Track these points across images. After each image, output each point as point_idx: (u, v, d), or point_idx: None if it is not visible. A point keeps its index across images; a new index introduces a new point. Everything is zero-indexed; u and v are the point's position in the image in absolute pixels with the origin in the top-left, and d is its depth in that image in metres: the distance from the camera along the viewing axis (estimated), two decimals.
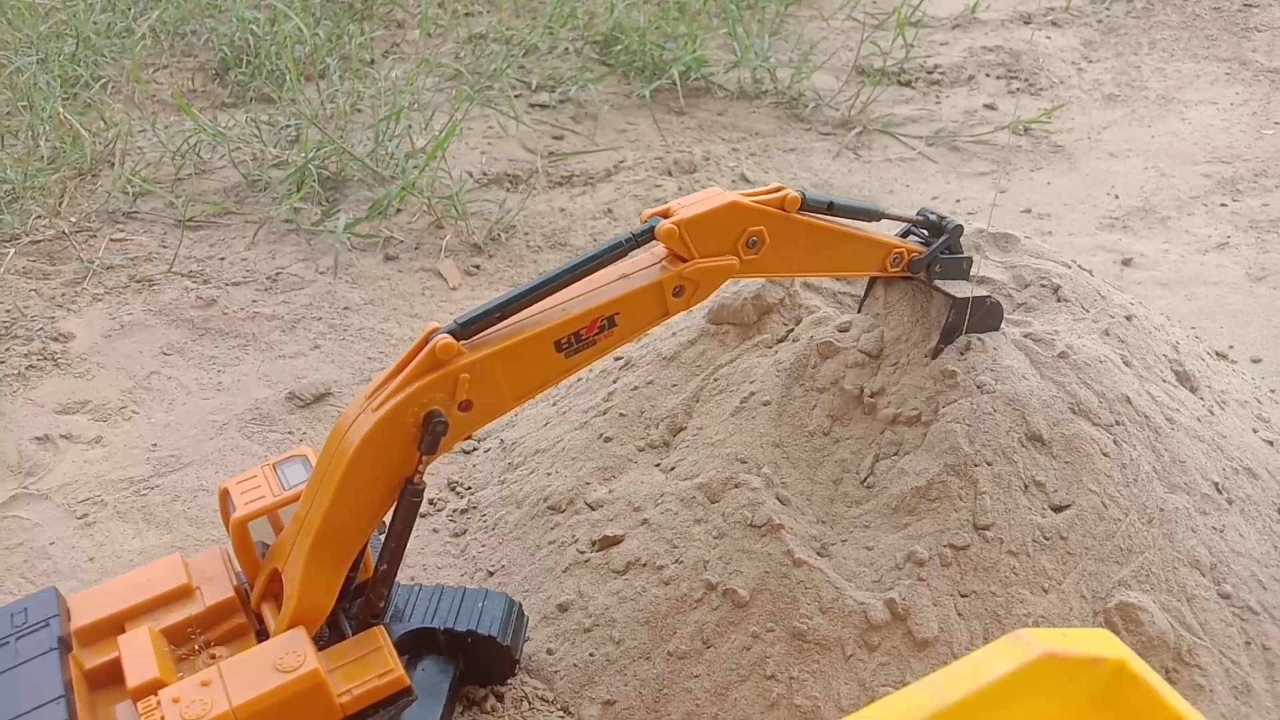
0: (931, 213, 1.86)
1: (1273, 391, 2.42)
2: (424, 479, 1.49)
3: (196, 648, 1.54)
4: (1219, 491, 1.89)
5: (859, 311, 2.05)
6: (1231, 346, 2.64)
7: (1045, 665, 1.13)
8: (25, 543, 2.21)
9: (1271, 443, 2.14)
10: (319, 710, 1.44)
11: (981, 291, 1.87)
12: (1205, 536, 1.81)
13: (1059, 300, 2.06)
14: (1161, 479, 1.84)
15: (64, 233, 3.24)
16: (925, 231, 1.87)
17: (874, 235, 1.78)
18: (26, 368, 2.70)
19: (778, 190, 1.64)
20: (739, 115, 3.95)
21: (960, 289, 1.85)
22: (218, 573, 1.61)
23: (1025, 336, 1.93)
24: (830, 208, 1.68)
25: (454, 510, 2.24)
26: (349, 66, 4.00)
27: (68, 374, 2.69)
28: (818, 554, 1.81)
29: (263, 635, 1.55)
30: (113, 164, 3.59)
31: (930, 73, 4.28)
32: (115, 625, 1.53)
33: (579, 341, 1.52)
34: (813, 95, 4.00)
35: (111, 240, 3.23)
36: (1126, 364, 1.99)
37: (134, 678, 1.43)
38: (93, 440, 2.49)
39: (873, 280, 2.03)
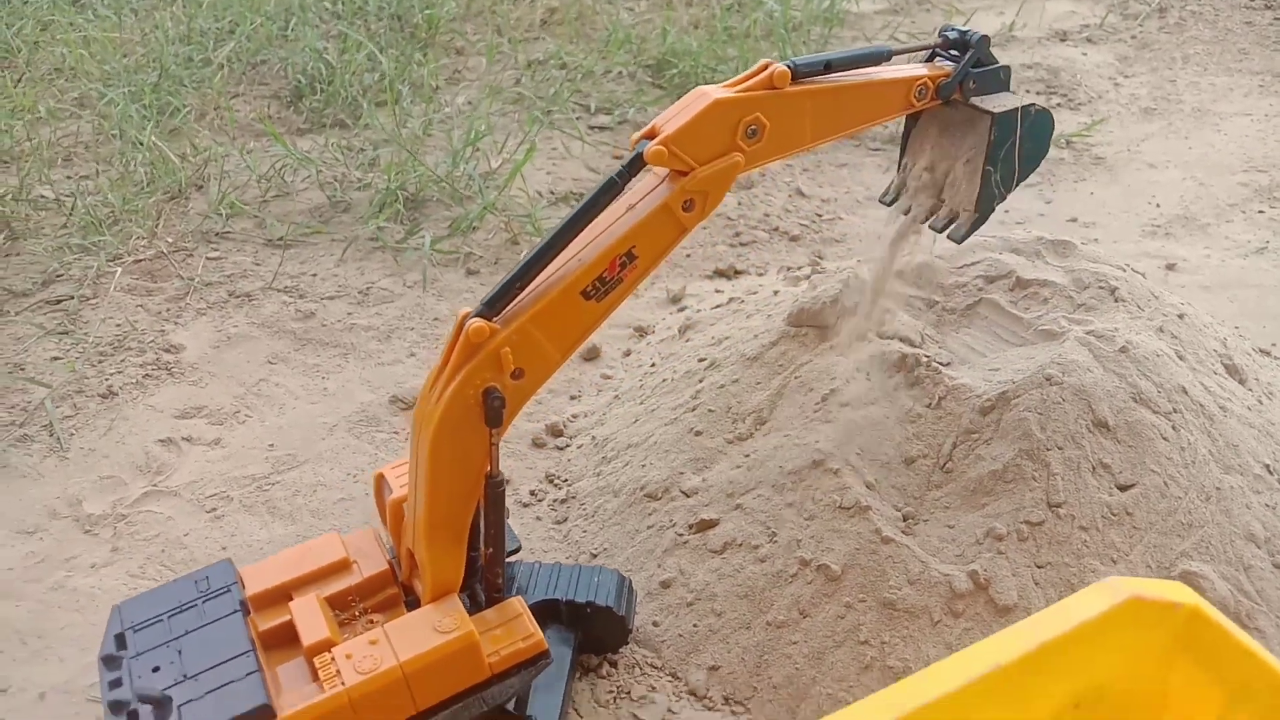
0: (951, 29, 1.78)
1: None
2: (500, 470, 1.59)
3: (356, 614, 1.72)
4: (1270, 473, 2.05)
5: (898, 174, 1.99)
6: (1275, 344, 2.80)
7: (1132, 608, 1.29)
8: (161, 534, 2.41)
9: None
10: (471, 669, 1.59)
11: (1024, 100, 1.77)
12: (1259, 513, 1.97)
13: (1116, 301, 2.23)
14: (1217, 461, 2.00)
15: (162, 252, 3.47)
16: (954, 52, 1.78)
17: (888, 75, 1.70)
18: (144, 377, 2.92)
19: (764, 69, 1.57)
20: None
21: (1002, 102, 1.76)
22: (371, 549, 1.80)
23: (1088, 334, 2.10)
24: (827, 67, 1.61)
25: (554, 500, 2.42)
26: (420, 92, 4.23)
27: (182, 382, 2.91)
28: (903, 533, 1.98)
29: (412, 605, 1.74)
30: (201, 187, 3.82)
31: None
32: (283, 594, 1.71)
33: (604, 284, 1.53)
34: None
35: (208, 259, 3.45)
36: (1180, 358, 2.15)
37: (308, 637, 1.61)
38: (212, 442, 2.70)
39: (907, 129, 1.95)
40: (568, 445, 2.61)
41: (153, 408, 2.80)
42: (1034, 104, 1.78)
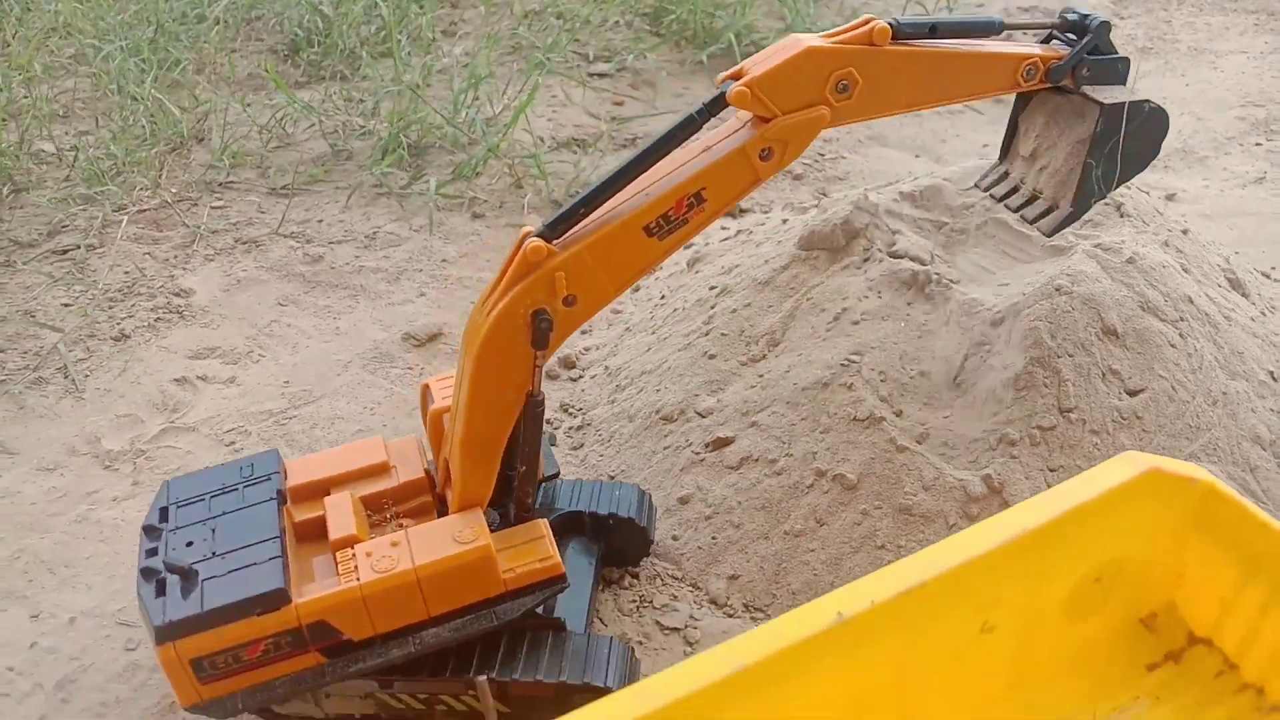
0: (1072, 11, 1.68)
1: None
2: (542, 390, 1.60)
3: (388, 516, 1.75)
4: (1274, 379, 2.09)
5: (1000, 160, 1.92)
6: (1274, 268, 2.84)
7: (1151, 479, 1.34)
8: (182, 467, 2.44)
9: None
10: (485, 581, 1.62)
11: (1139, 96, 1.67)
12: (1264, 417, 2.02)
13: (1122, 216, 2.26)
14: (1223, 367, 2.04)
15: (167, 202, 3.47)
16: (1071, 35, 1.68)
17: (996, 48, 1.62)
18: (155, 320, 2.93)
19: (866, 23, 1.51)
20: None
21: (1114, 94, 1.66)
22: (412, 456, 1.83)
23: (1095, 246, 2.13)
24: (933, 31, 1.54)
25: (569, 428, 2.46)
26: (418, 43, 4.22)
27: (194, 324, 2.92)
28: (917, 442, 2.02)
29: (444, 514, 1.77)
30: (202, 139, 3.82)
31: None
32: (322, 489, 1.75)
33: (669, 223, 1.50)
34: None
35: (212, 208, 3.46)
36: (1185, 270, 2.19)
37: (335, 532, 1.65)
38: (227, 380, 2.72)
39: (1014, 118, 1.87)
40: (581, 376, 2.64)
41: (166, 349, 2.82)
42: (1149, 101, 1.68)
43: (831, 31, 1.50)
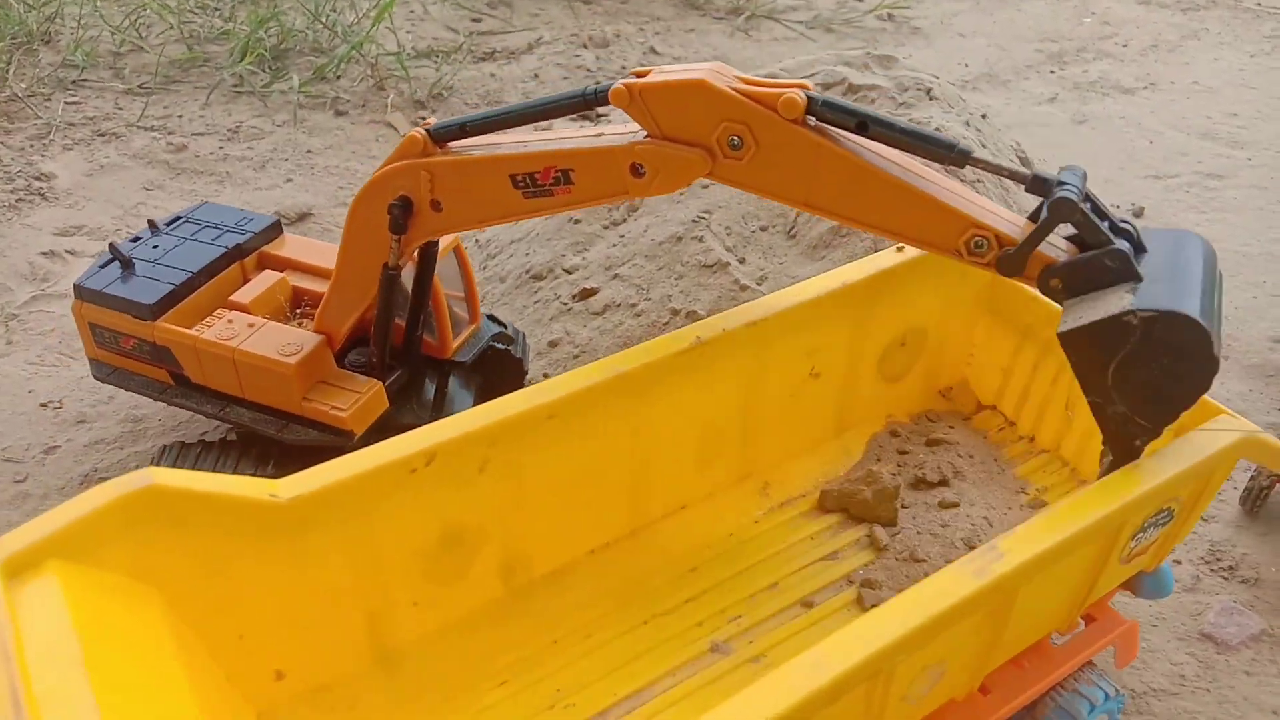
0: (1044, 175, 1.22)
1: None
2: (398, 262, 1.63)
3: (298, 312, 1.91)
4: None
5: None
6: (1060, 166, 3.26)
7: (935, 260, 1.63)
8: (56, 329, 2.49)
9: None
10: (282, 394, 1.75)
11: (1132, 302, 1.15)
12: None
13: (930, 99, 2.59)
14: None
15: (17, 95, 3.42)
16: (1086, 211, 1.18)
17: (940, 194, 1.24)
18: (16, 201, 2.93)
19: (785, 87, 1.25)
20: (640, 4, 4.39)
21: (1086, 312, 1.18)
22: None
23: (909, 121, 2.46)
24: (861, 127, 1.21)
25: None
26: None
27: (57, 206, 2.93)
28: (757, 283, 2.30)
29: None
30: (49, 41, 3.76)
31: None
32: (283, 264, 1.95)
33: (534, 185, 1.44)
34: None
35: (66, 103, 3.43)
36: (983, 145, 2.54)
37: (236, 295, 1.85)
38: (96, 254, 2.76)
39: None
40: None
41: (30, 227, 2.83)
42: (1143, 311, 1.13)
43: (752, 77, 1.28)
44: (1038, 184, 1.21)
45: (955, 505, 1.57)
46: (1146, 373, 1.16)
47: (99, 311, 1.83)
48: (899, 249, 1.60)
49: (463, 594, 1.33)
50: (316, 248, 2.01)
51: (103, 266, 1.87)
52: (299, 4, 3.83)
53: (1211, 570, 1.96)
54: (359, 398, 1.77)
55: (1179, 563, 1.96)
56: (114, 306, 1.80)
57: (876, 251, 2.25)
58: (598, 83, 1.37)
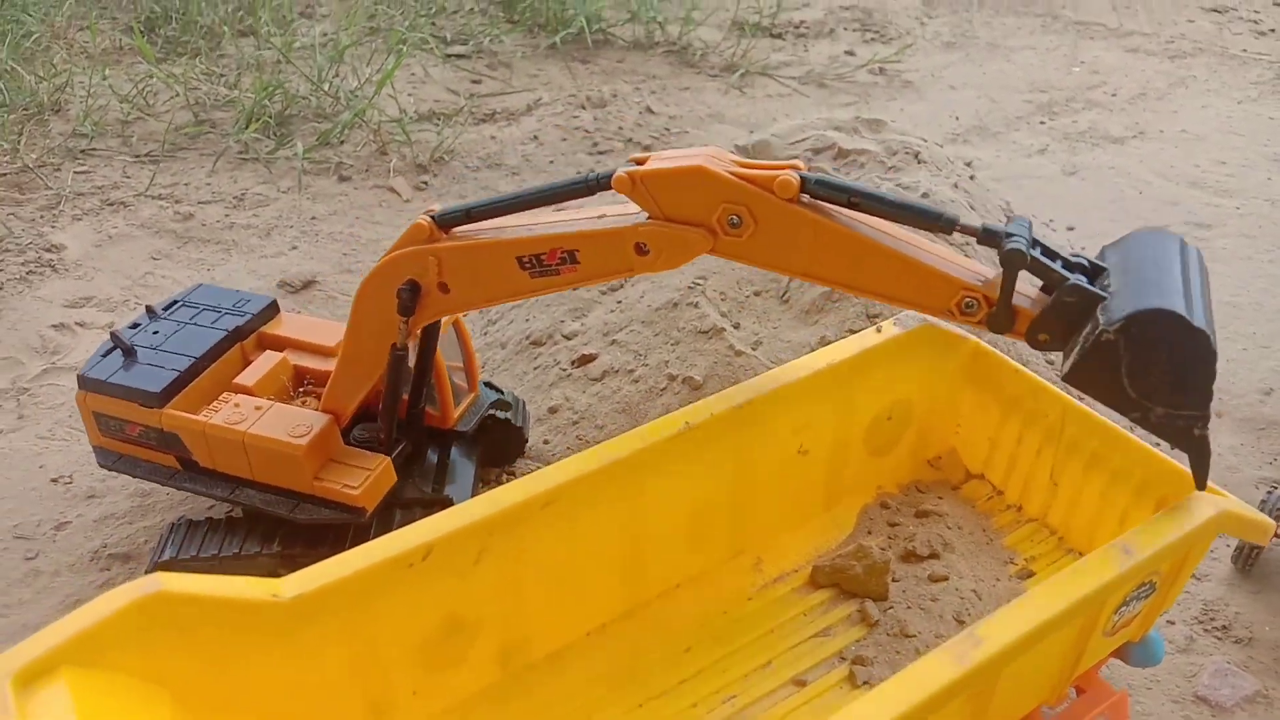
0: (993, 229, 1.28)
1: (1084, 247, 3.09)
2: (405, 342, 1.68)
3: (301, 390, 1.95)
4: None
5: None
6: (1051, 219, 3.32)
7: (928, 332, 1.68)
8: (66, 403, 2.54)
9: None
10: (294, 474, 1.78)
11: (1101, 324, 1.21)
12: None
13: (919, 163, 2.65)
14: None
15: (28, 166, 3.50)
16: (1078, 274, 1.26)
17: (930, 260, 1.32)
18: (27, 273, 3.00)
19: (780, 168, 1.33)
20: (637, 63, 4.48)
21: (1079, 341, 1.24)
22: None
23: (896, 186, 2.51)
24: (852, 200, 1.30)
25: None
26: (278, 22, 4.34)
27: (67, 277, 3.00)
28: (751, 348, 2.34)
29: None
30: (59, 110, 3.85)
31: (797, 27, 4.91)
32: (283, 344, 1.99)
33: (541, 266, 1.49)
34: (700, 45, 4.56)
35: (76, 173, 3.51)
36: (972, 208, 2.60)
37: (242, 377, 1.89)
38: (105, 326, 2.82)
39: None
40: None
41: (41, 299, 2.89)
42: (1115, 323, 1.19)
43: (747, 161, 1.37)
44: (989, 237, 1.28)
45: (945, 578, 1.60)
46: (1157, 371, 1.21)
47: (104, 400, 1.87)
48: (878, 329, 1.65)
49: (462, 680, 1.36)
50: (314, 325, 2.06)
51: (104, 355, 1.90)
52: (302, 72, 3.92)
53: (1205, 630, 1.98)
54: (369, 474, 1.81)
55: (1172, 623, 1.98)
56: (119, 395, 1.84)
57: (868, 316, 2.32)
58: (600, 174, 1.41)
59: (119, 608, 1.06)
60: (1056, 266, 1.26)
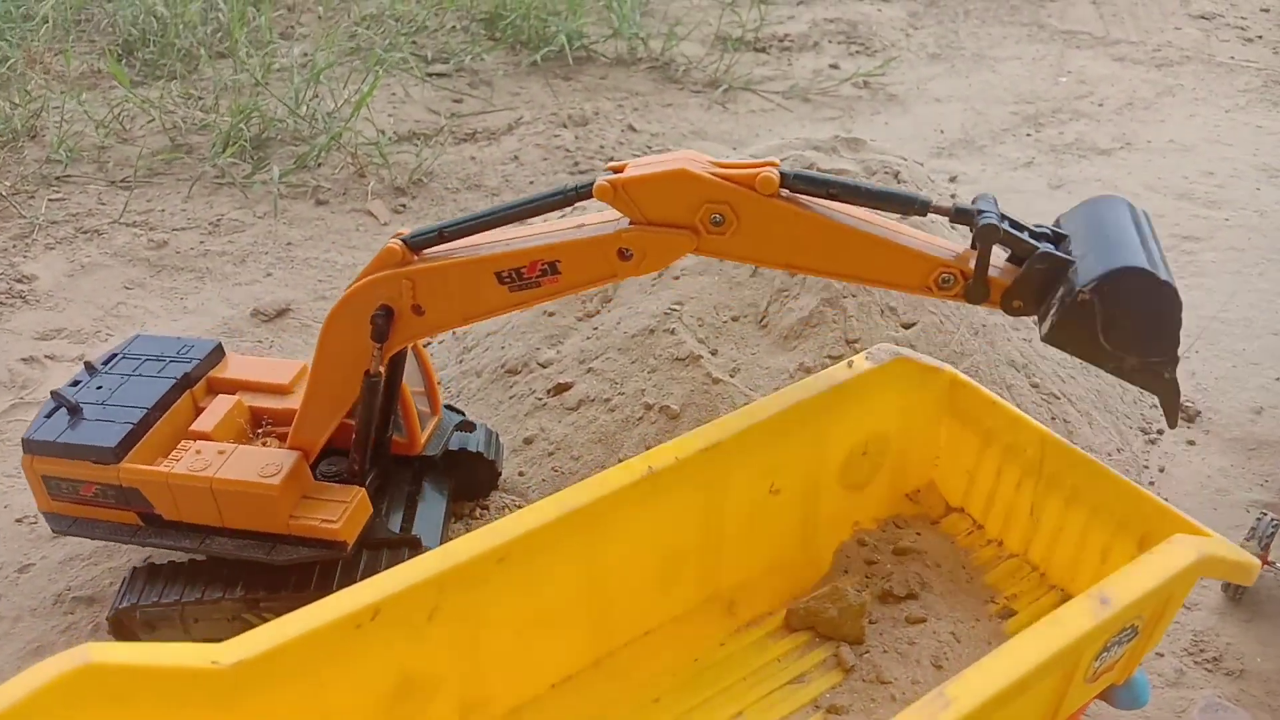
0: (965, 208, 1.38)
1: None
2: (379, 369, 1.66)
3: (260, 431, 1.90)
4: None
5: None
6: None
7: (902, 365, 1.64)
8: None
9: None
10: (268, 516, 1.72)
11: (1075, 284, 1.29)
12: (1017, 345, 2.39)
13: (899, 182, 2.61)
14: None
15: (2, 195, 3.46)
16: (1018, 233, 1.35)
17: (905, 242, 1.39)
18: None
19: (759, 166, 1.37)
20: (619, 79, 4.44)
21: (1055, 303, 1.33)
22: None
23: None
24: (830, 192, 1.36)
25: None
26: (257, 44, 4.30)
27: (38, 308, 2.95)
28: (729, 375, 2.30)
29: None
30: (34, 136, 3.81)
31: (781, 40, 4.87)
32: (235, 387, 1.92)
33: (520, 280, 1.49)
34: (683, 61, 4.53)
35: (50, 200, 3.47)
36: (954, 227, 2.55)
37: (198, 424, 1.82)
38: (76, 358, 2.77)
39: None
40: (428, 344, 2.82)
41: (11, 331, 2.85)
42: (1088, 284, 1.27)
43: (726, 161, 1.40)
44: (961, 216, 1.39)
45: (923, 620, 1.55)
46: (1129, 324, 1.30)
47: (53, 463, 1.78)
48: (849, 364, 1.60)
49: None
50: (263, 365, 2.01)
51: (48, 416, 1.81)
52: (276, 96, 3.88)
53: (1195, 663, 1.93)
54: (345, 507, 1.76)
55: (1160, 655, 1.93)
56: (70, 455, 1.76)
57: (847, 342, 2.28)
58: (578, 184, 1.44)
59: (46, 682, 1.01)
60: (1025, 237, 1.36)
